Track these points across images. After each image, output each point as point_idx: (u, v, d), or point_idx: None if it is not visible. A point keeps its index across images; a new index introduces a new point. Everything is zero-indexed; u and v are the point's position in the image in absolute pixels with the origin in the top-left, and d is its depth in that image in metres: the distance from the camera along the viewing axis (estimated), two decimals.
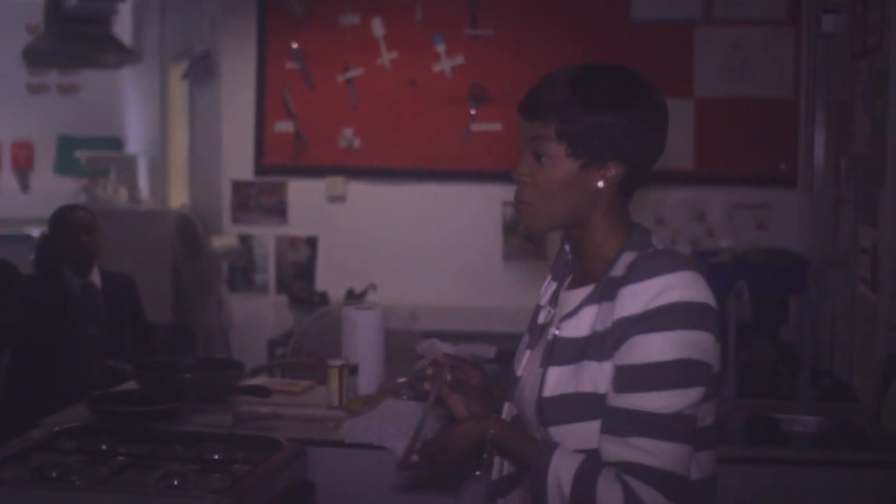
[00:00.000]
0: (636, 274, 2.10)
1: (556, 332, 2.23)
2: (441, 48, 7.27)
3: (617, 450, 2.06)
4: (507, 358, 2.56)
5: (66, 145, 9.50)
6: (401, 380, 4.05)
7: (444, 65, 7.27)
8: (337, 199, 7.43)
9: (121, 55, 8.79)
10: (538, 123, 2.19)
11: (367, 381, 4.14)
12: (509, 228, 7.25)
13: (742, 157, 7.05)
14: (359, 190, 7.42)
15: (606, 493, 2.04)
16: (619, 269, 2.16)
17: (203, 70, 7.91)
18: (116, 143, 9.53)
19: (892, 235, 4.47)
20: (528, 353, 2.34)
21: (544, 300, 2.38)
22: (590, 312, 2.17)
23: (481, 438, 2.22)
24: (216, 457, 3.28)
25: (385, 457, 3.53)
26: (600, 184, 2.19)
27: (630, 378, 2.08)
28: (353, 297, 7.01)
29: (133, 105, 9.55)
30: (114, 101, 9.65)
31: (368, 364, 4.15)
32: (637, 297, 2.08)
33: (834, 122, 5.83)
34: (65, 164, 9.51)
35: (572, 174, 2.18)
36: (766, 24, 7.05)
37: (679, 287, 2.08)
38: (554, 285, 2.38)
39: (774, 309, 6.15)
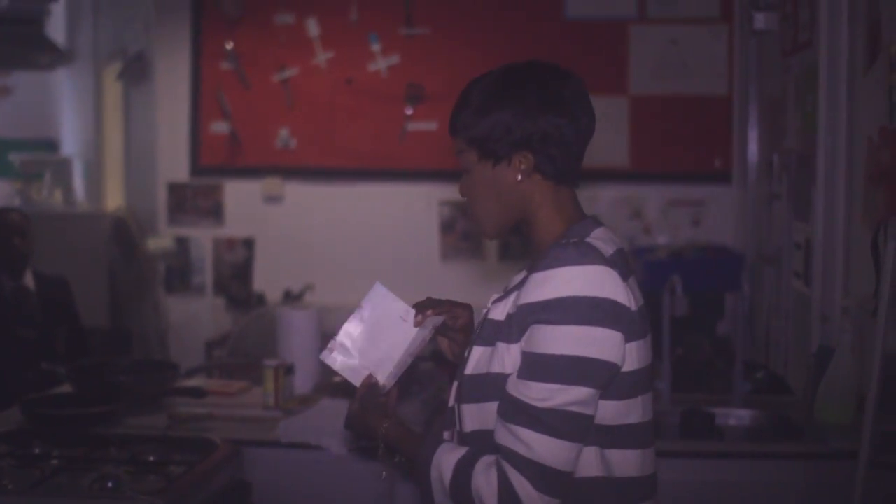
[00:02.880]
0: (544, 262, 2.12)
1: (485, 311, 2.29)
2: (377, 47, 7.26)
3: (501, 433, 2.11)
4: (444, 357, 2.57)
5: (0, 148, 9.39)
6: (337, 379, 4.04)
7: (380, 64, 7.26)
8: (273, 199, 7.41)
9: (54, 56, 8.68)
10: (456, 140, 2.30)
11: (302, 381, 4.15)
12: (446, 227, 7.25)
13: (677, 154, 7.10)
14: (295, 190, 7.39)
15: (480, 481, 2.09)
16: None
17: (137, 71, 7.86)
18: (51, 146, 9.42)
19: (823, 230, 4.51)
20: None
21: None
22: (514, 297, 2.20)
23: (375, 433, 2.33)
24: (151, 458, 3.28)
25: (322, 456, 3.54)
26: (518, 177, 2.24)
27: (524, 365, 2.11)
28: (291, 297, 7.00)
29: (67, 107, 9.44)
30: (48, 102, 9.53)
31: (304, 364, 4.16)
32: (539, 286, 2.10)
33: (766, 119, 5.89)
34: None
35: (489, 177, 2.26)
36: (699, 22, 7.09)
37: (580, 281, 2.08)
38: None
39: (711, 304, 6.21)
